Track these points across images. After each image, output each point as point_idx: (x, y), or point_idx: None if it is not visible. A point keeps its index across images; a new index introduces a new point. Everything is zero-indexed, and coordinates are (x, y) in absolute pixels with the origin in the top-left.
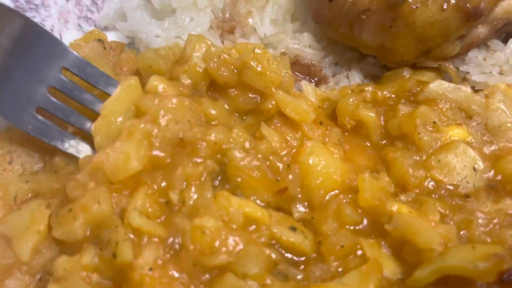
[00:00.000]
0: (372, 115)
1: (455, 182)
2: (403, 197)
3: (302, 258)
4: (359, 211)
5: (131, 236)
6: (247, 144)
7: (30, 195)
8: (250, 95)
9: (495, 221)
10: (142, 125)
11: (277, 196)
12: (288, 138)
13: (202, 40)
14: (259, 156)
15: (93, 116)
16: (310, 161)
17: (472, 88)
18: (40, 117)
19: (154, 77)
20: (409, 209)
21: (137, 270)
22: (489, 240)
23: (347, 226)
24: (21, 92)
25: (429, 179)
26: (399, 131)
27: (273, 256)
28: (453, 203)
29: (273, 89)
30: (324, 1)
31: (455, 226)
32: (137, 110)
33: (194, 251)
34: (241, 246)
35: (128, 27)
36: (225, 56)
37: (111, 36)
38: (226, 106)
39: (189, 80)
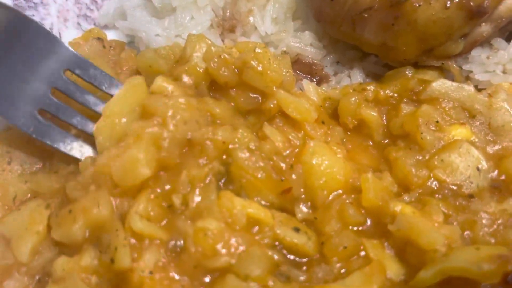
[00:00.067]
0: (374, 114)
1: (458, 182)
2: (406, 197)
3: (305, 259)
4: (362, 211)
5: (132, 240)
6: (252, 145)
7: (29, 195)
8: (251, 95)
9: (499, 221)
10: (151, 129)
11: (281, 197)
12: (290, 137)
13: (202, 39)
14: (263, 156)
15: (96, 118)
16: (313, 161)
17: (475, 87)
18: (42, 118)
19: (160, 77)
20: (413, 210)
21: (137, 272)
22: (493, 241)
23: (350, 227)
24: (23, 93)
25: (432, 179)
26: (402, 130)
27: (275, 257)
28: (457, 203)
29: (274, 89)
30: None
31: (459, 226)
32: (143, 110)
33: (196, 253)
34: (243, 248)
35: (128, 26)
36: (226, 55)
37: (110, 35)
38: (229, 105)
39: (190, 80)
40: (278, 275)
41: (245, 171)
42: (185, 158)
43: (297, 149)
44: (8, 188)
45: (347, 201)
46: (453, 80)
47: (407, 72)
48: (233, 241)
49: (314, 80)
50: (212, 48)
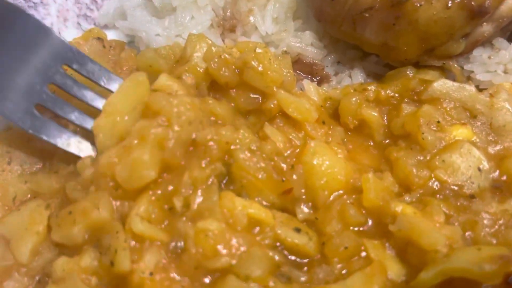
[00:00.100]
0: (375, 114)
1: (459, 183)
2: (407, 198)
3: (306, 260)
4: (363, 211)
5: (132, 242)
6: (253, 145)
7: (29, 195)
8: (251, 95)
9: (500, 222)
10: (156, 129)
11: (282, 197)
12: (291, 137)
13: (203, 39)
14: (264, 156)
15: (95, 113)
16: (314, 161)
17: (477, 87)
18: (38, 113)
19: (164, 75)
20: (414, 210)
21: (137, 273)
22: (494, 241)
23: (351, 227)
24: (18, 88)
25: (433, 179)
26: (403, 130)
27: (276, 258)
28: (458, 203)
29: (274, 89)
30: None
31: (460, 227)
32: (146, 108)
33: (196, 254)
34: (244, 248)
35: (128, 26)
36: (226, 56)
37: (110, 35)
38: (230, 105)
39: (191, 81)
40: (279, 275)
41: (246, 172)
42: (187, 159)
43: (298, 150)
44: (8, 188)
45: (348, 201)
46: (454, 80)
47: (408, 72)
48: (234, 241)
49: (314, 80)
50: (213, 48)
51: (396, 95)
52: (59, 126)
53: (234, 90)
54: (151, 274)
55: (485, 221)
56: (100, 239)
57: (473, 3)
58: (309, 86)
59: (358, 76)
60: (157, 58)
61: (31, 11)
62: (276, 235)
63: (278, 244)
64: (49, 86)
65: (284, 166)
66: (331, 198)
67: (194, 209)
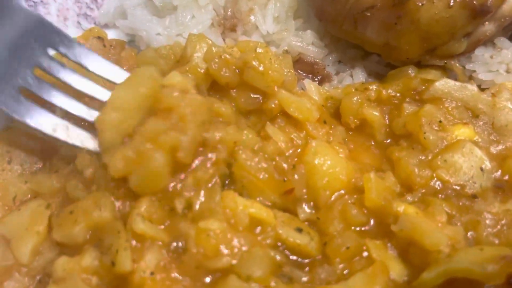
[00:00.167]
0: (377, 114)
1: (461, 182)
2: (409, 197)
3: (307, 260)
4: (365, 211)
5: (134, 241)
6: (256, 145)
7: (29, 195)
8: (252, 95)
9: (502, 222)
10: (172, 133)
11: (283, 197)
12: (292, 137)
13: (203, 39)
14: (266, 156)
15: (82, 98)
16: (316, 161)
17: (479, 86)
18: (23, 98)
19: (175, 72)
20: (416, 210)
21: (138, 273)
22: (496, 241)
23: (353, 227)
24: (2, 71)
25: (435, 179)
26: (404, 130)
27: (278, 258)
28: (460, 203)
29: (275, 89)
30: None
31: (462, 227)
32: (155, 103)
33: (197, 254)
34: (245, 248)
35: (129, 25)
36: (226, 56)
37: (111, 34)
38: (231, 105)
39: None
40: (280, 276)
41: (247, 172)
42: (197, 159)
43: (299, 149)
44: (8, 188)
45: (350, 201)
46: (456, 79)
47: (409, 72)
48: (235, 241)
49: (316, 79)
50: (213, 48)
51: (398, 94)
52: (45, 110)
53: (235, 90)
54: (152, 274)
55: (487, 221)
56: (101, 239)
57: (475, 2)
58: (310, 85)
59: (360, 76)
60: (157, 58)
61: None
62: (278, 235)
63: (279, 244)
64: (35, 70)
65: (285, 166)
66: (333, 198)
67: (196, 209)
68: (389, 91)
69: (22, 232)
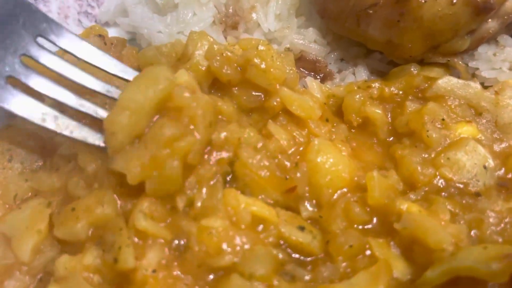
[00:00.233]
0: (379, 112)
1: (465, 180)
2: (412, 196)
3: (310, 258)
4: (368, 210)
5: (136, 239)
6: (258, 143)
7: (30, 194)
8: (254, 93)
9: (506, 220)
10: (187, 139)
11: (285, 195)
12: (294, 135)
13: (204, 37)
14: (268, 154)
15: (71, 86)
16: (318, 159)
17: (482, 84)
18: (11, 87)
19: (183, 71)
20: (419, 208)
21: (140, 271)
22: (500, 239)
23: (356, 226)
24: None
25: (438, 177)
26: (407, 128)
27: (280, 256)
28: (463, 201)
29: (277, 86)
30: None
31: (466, 225)
32: (166, 104)
33: (200, 252)
34: (247, 246)
35: (129, 23)
36: (228, 53)
37: (111, 32)
38: (233, 103)
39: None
40: (283, 274)
41: (249, 170)
42: (202, 158)
43: (302, 147)
44: (8, 186)
45: (352, 199)
46: (459, 77)
47: (412, 69)
48: (237, 239)
49: (318, 77)
50: (214, 46)
51: (400, 92)
52: (33, 99)
53: (236, 88)
54: (154, 271)
55: (490, 220)
56: (103, 236)
57: None
58: (312, 83)
59: (362, 73)
60: (158, 56)
61: None
62: (280, 233)
63: (282, 242)
64: (23, 59)
65: (287, 164)
66: (335, 196)
67: (198, 207)
68: (391, 89)
69: (23, 231)
